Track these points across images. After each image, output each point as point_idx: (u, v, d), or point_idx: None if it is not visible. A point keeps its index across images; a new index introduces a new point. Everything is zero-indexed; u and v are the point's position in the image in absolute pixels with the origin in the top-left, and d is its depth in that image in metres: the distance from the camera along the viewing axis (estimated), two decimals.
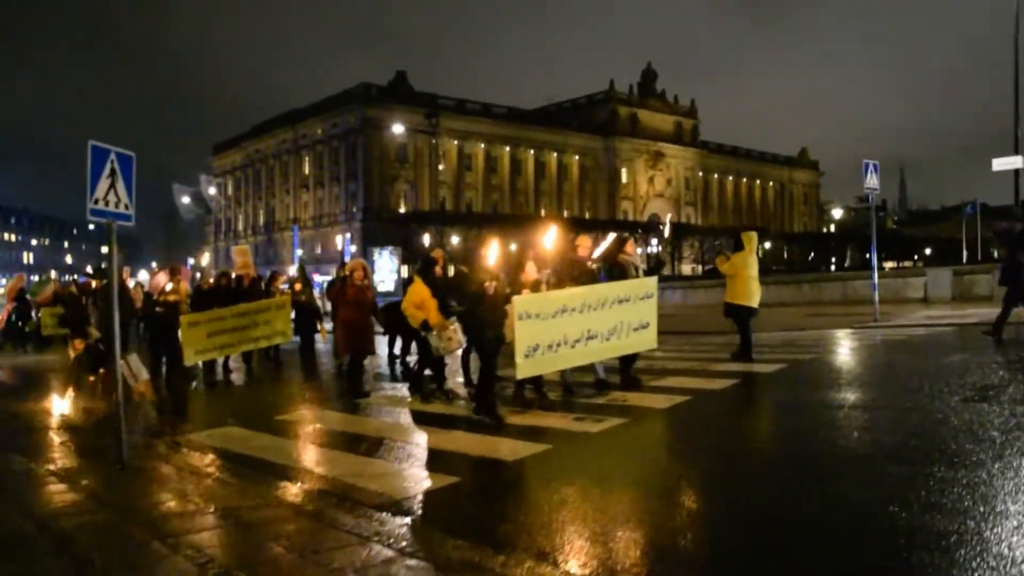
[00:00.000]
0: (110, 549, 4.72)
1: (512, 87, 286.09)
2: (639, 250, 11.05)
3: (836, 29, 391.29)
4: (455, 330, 9.52)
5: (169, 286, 11.32)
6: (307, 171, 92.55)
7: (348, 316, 10.62)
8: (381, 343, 17.72)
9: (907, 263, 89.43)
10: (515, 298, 8.25)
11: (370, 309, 10.95)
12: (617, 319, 9.29)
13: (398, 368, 13.58)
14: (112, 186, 7.03)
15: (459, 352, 10.64)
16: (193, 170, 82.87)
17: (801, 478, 5.78)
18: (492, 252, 8.85)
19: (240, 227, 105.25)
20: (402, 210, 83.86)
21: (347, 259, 44.89)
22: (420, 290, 9.74)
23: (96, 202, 6.89)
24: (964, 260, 60.13)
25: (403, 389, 11.12)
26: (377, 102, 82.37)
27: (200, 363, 13.14)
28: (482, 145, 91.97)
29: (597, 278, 9.79)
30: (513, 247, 8.83)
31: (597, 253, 10.31)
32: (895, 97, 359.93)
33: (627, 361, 10.09)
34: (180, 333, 11.61)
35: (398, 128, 60.16)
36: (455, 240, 72.96)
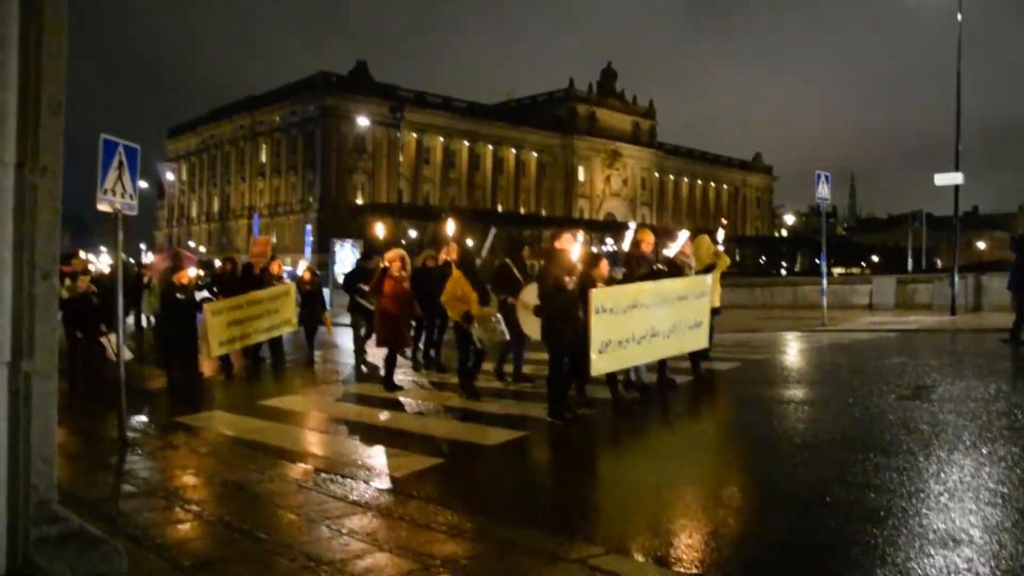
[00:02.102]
0: (136, 514, 5.20)
1: (472, 82, 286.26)
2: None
3: (790, 38, 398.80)
4: (499, 321, 9.59)
5: (193, 271, 11.49)
6: (264, 159, 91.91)
7: (386, 308, 10.50)
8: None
9: (855, 269, 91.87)
10: (593, 291, 8.04)
11: (407, 301, 10.76)
12: (677, 316, 9.31)
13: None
14: (119, 177, 7.45)
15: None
16: (149, 155, 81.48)
17: (756, 461, 6.53)
18: (575, 246, 8.50)
19: (194, 213, 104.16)
20: (359, 201, 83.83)
21: (307, 249, 44.89)
22: (461, 282, 9.65)
23: (105, 192, 7.31)
24: (910, 268, 62.28)
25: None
26: (337, 92, 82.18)
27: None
28: (441, 139, 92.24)
29: (660, 276, 9.63)
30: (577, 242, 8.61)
31: (672, 252, 10.13)
32: (847, 105, 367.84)
33: (695, 358, 10.15)
34: (206, 321, 11.69)
35: (362, 120, 60.23)
36: (412, 234, 73.27)
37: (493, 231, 11.62)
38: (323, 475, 6.23)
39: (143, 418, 8.90)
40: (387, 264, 10.60)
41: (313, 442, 7.80)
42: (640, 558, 4.33)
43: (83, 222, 78.17)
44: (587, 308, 7.99)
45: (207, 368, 12.77)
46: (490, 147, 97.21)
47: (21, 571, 2.77)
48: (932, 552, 4.12)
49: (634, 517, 5.16)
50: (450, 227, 12.13)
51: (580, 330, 8.11)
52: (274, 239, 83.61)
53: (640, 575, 4.17)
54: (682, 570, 4.12)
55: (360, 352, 13.53)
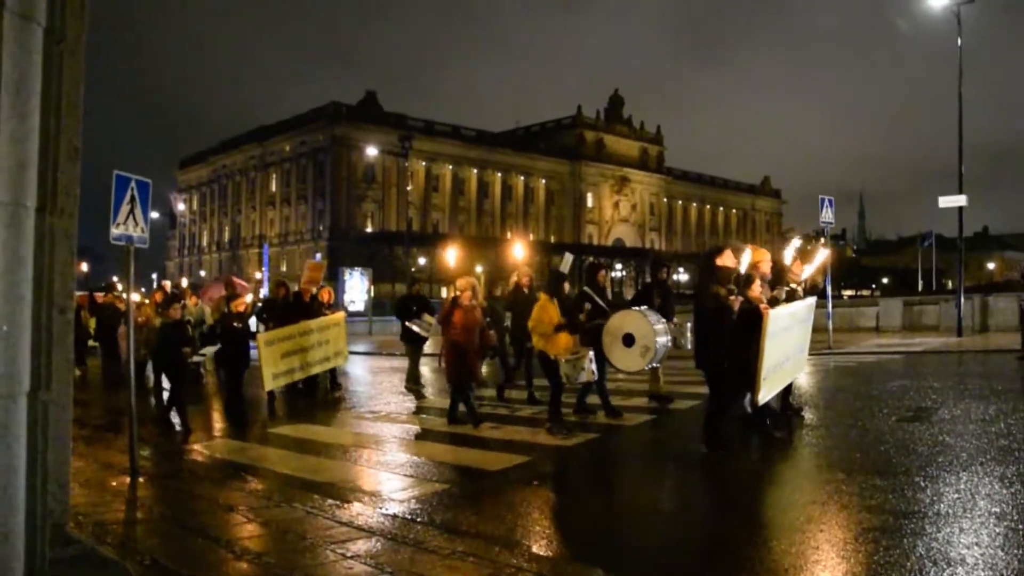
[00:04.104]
0: (144, 538, 5.34)
1: (480, 110, 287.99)
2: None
3: (797, 67, 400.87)
4: (591, 360, 8.88)
5: (250, 298, 11.34)
6: (274, 188, 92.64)
7: (457, 340, 9.64)
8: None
9: (865, 292, 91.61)
10: (769, 313, 7.35)
11: (477, 331, 9.83)
12: (797, 340, 8.82)
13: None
14: (131, 212, 7.65)
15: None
16: (160, 185, 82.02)
17: (757, 483, 6.61)
18: (745, 258, 7.81)
19: (204, 242, 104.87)
20: (369, 229, 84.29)
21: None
22: (551, 310, 9.04)
23: (117, 226, 7.51)
24: (920, 290, 62.18)
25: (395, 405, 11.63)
26: (347, 121, 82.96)
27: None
28: (450, 167, 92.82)
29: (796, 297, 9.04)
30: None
31: (807, 273, 9.65)
32: (857, 129, 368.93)
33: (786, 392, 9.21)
34: (258, 352, 11.28)
35: (371, 150, 60.88)
36: (422, 261, 73.57)
37: (569, 257, 10.74)
38: (330, 501, 6.35)
39: (157, 445, 9.04)
40: (458, 294, 9.85)
41: (325, 469, 7.91)
42: None
43: (96, 253, 78.72)
44: (760, 331, 7.23)
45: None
46: (499, 175, 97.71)
47: None
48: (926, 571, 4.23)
49: (611, 528, 5.28)
50: (518, 252, 11.92)
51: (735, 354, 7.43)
52: (284, 268, 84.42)
53: None
54: None
55: (413, 379, 13.04)
